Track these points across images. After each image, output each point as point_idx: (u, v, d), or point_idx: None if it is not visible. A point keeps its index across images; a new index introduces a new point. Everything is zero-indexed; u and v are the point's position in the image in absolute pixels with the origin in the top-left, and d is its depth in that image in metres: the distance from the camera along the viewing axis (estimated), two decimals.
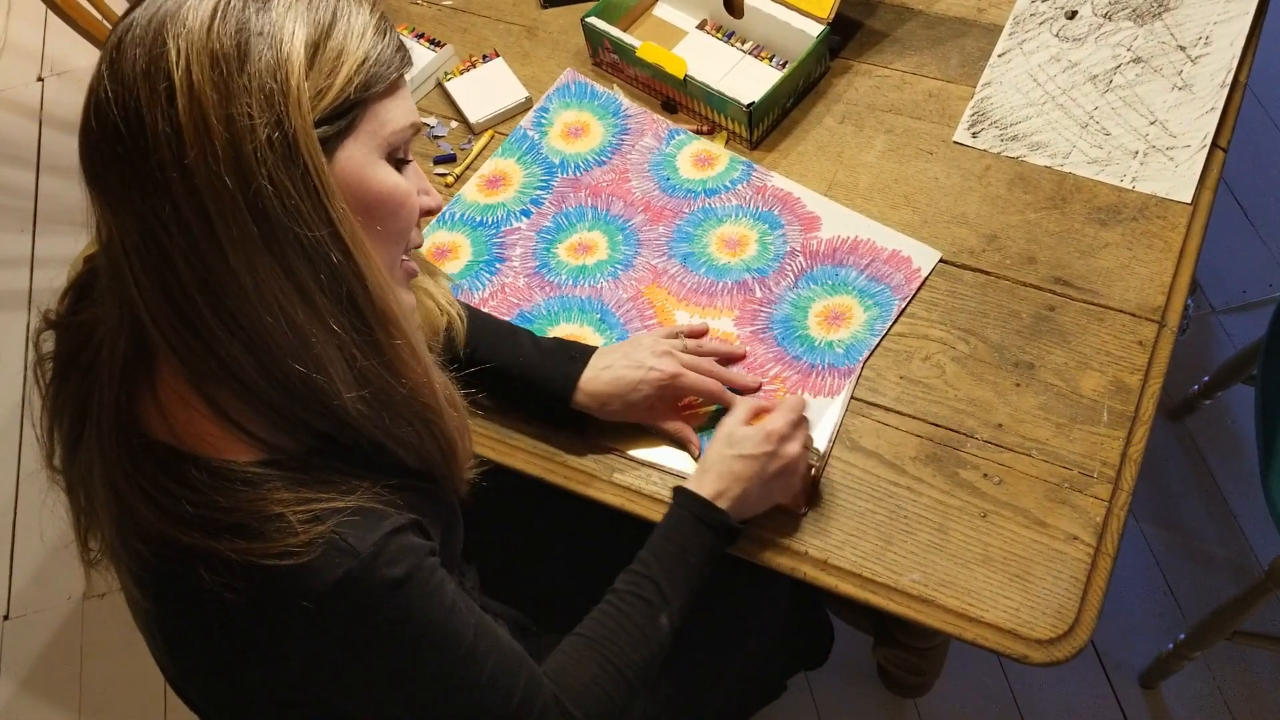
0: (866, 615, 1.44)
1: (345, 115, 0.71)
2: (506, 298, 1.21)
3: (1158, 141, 1.22)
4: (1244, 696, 1.62)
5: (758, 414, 1.03)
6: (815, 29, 1.28)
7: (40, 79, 2.64)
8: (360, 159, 0.73)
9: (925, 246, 1.18)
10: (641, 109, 1.34)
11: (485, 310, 1.16)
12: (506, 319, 1.16)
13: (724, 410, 1.05)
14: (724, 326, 1.16)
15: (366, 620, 0.74)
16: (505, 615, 1.11)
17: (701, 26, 1.40)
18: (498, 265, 1.24)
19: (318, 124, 0.69)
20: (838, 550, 1.01)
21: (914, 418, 1.08)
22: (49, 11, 1.78)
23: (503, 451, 1.10)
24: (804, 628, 1.41)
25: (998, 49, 1.33)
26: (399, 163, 0.77)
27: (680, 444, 1.08)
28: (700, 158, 1.29)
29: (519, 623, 1.13)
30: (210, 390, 0.73)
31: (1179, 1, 1.32)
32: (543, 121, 1.34)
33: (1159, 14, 1.31)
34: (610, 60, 1.36)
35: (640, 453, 1.08)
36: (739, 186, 1.26)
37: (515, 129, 1.34)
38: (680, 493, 0.98)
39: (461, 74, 1.38)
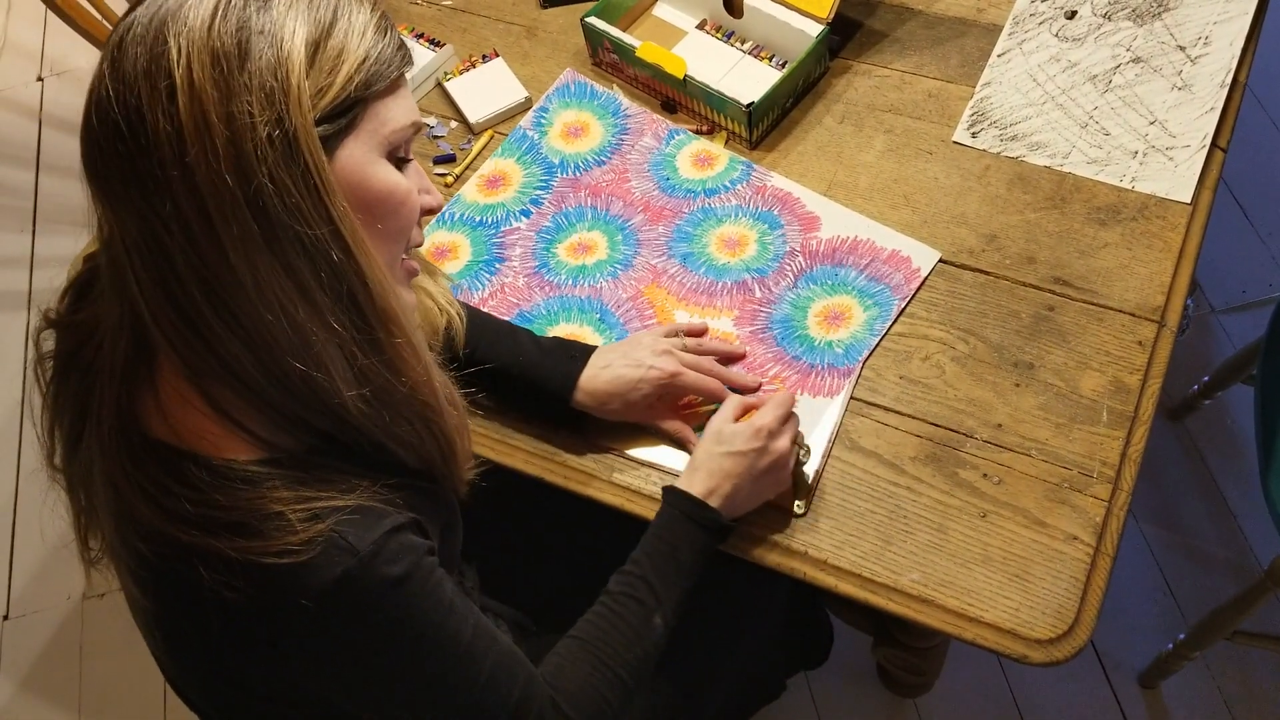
0: (866, 615, 1.44)
1: (346, 114, 0.72)
2: (506, 297, 1.21)
3: (1157, 141, 1.22)
4: (1244, 696, 1.62)
5: (746, 410, 1.03)
6: (815, 29, 1.28)
7: (40, 79, 2.64)
8: (361, 157, 0.73)
9: (925, 246, 1.18)
10: (641, 109, 1.34)
11: (485, 310, 1.16)
12: (506, 319, 1.16)
13: None
14: (723, 326, 1.16)
15: (365, 618, 0.74)
16: (505, 615, 1.11)
17: (701, 26, 1.40)
18: (497, 265, 1.24)
19: (318, 122, 0.69)
20: (837, 550, 1.01)
21: (913, 418, 1.08)
22: (49, 11, 1.78)
23: (502, 451, 1.10)
24: (803, 627, 1.41)
25: (997, 49, 1.33)
26: (400, 161, 0.77)
27: (679, 443, 1.08)
28: (700, 158, 1.29)
29: (519, 623, 1.13)
30: (210, 388, 0.73)
31: (1179, 1, 1.32)
32: (542, 121, 1.34)
33: (1158, 14, 1.32)
34: (610, 60, 1.36)
35: (639, 452, 1.08)
36: (738, 186, 1.26)
37: (515, 129, 1.34)
38: (670, 492, 0.98)
39: (461, 74, 1.38)
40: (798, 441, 1.02)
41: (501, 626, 1.06)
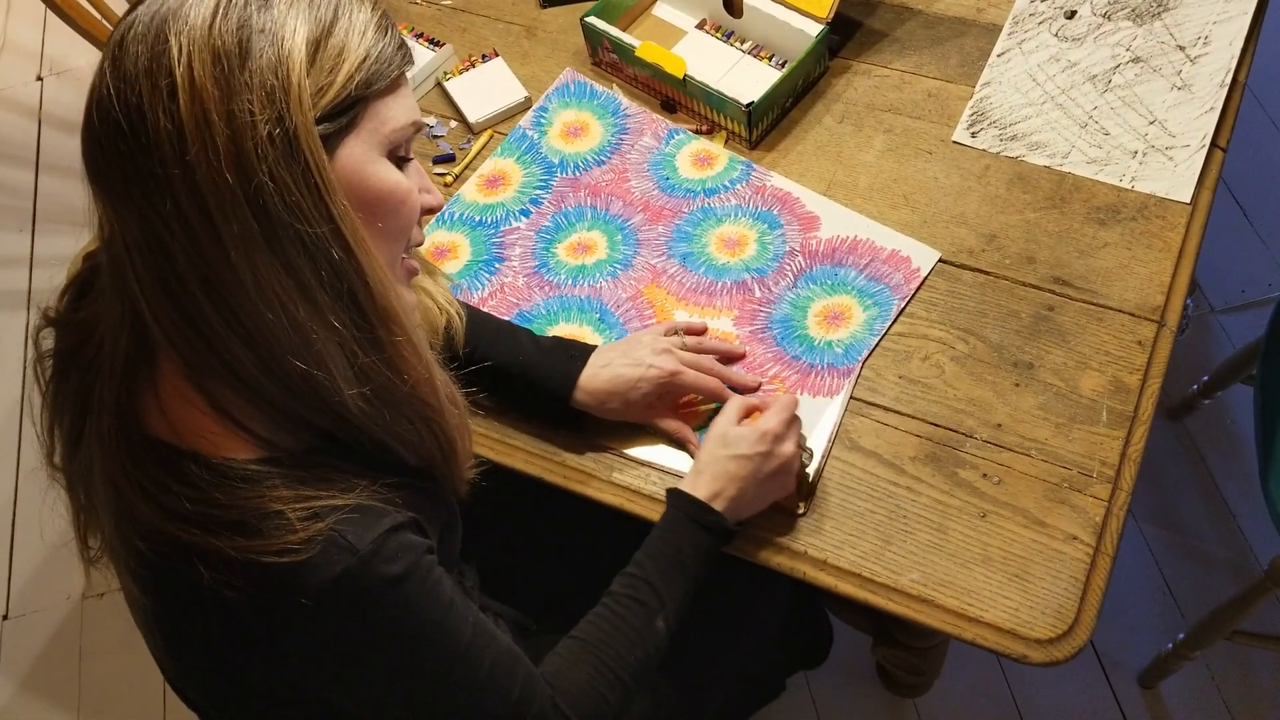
0: (866, 615, 1.44)
1: (346, 112, 0.72)
2: (506, 297, 1.21)
3: (1157, 141, 1.22)
4: (1243, 696, 1.62)
5: (749, 413, 1.03)
6: (814, 29, 1.29)
7: (40, 78, 2.64)
8: (361, 156, 0.73)
9: (924, 246, 1.18)
10: (641, 108, 1.34)
11: (485, 310, 1.16)
12: (506, 318, 1.16)
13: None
14: (723, 326, 1.16)
15: (365, 617, 0.74)
16: (505, 615, 1.11)
17: (701, 26, 1.40)
18: (497, 265, 1.24)
19: (319, 121, 0.70)
20: (837, 550, 1.01)
21: (913, 417, 1.08)
22: (48, 11, 1.78)
23: (502, 451, 1.10)
24: (803, 627, 1.41)
25: (997, 49, 1.33)
26: (400, 160, 0.77)
27: (679, 443, 1.08)
28: (699, 157, 1.29)
29: (518, 622, 1.13)
30: (211, 387, 0.73)
31: (1178, 1, 1.32)
32: (542, 121, 1.34)
33: (1158, 14, 1.32)
34: (609, 60, 1.36)
35: (639, 452, 1.08)
36: (738, 186, 1.26)
37: (514, 128, 1.34)
38: (675, 494, 0.98)
39: (461, 73, 1.38)
40: (801, 446, 1.02)
41: (501, 626, 1.06)
